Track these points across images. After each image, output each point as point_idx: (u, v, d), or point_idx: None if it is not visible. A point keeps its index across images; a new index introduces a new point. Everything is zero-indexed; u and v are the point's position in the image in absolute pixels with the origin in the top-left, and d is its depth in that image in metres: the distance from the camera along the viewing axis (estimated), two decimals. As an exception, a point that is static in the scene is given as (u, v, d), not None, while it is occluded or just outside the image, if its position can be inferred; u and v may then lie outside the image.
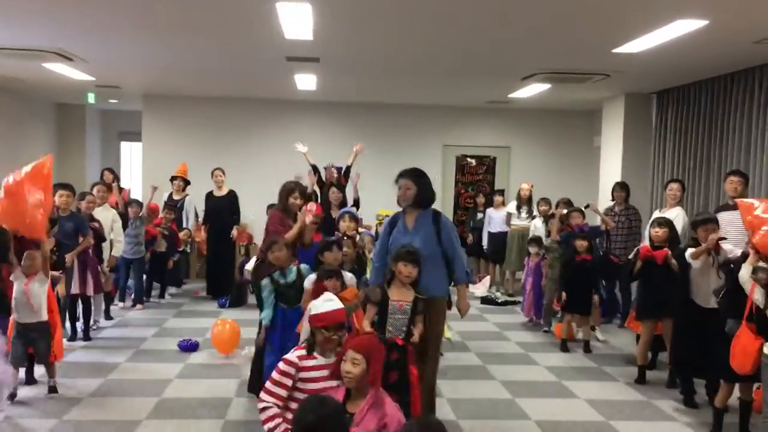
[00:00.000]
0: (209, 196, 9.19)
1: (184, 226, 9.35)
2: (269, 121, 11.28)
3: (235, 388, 5.38)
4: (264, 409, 3.13)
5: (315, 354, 3.25)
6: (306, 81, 8.92)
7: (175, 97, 11.10)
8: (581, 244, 6.78)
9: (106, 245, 7.21)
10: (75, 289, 6.55)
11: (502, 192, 10.34)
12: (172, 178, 9.35)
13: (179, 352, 6.34)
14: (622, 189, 7.91)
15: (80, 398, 5.05)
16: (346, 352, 2.97)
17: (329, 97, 10.65)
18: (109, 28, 6.12)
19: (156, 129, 11.19)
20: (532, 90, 9.01)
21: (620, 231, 7.73)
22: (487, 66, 7.48)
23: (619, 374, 6.04)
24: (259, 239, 10.38)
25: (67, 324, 6.64)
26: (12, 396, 4.85)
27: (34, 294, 4.86)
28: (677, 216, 6.57)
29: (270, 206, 9.07)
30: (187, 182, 9.38)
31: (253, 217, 10.22)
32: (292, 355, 3.26)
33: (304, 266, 4.83)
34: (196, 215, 9.64)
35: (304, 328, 4.01)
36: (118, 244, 7.46)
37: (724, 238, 5.26)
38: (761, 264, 4.21)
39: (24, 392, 5.08)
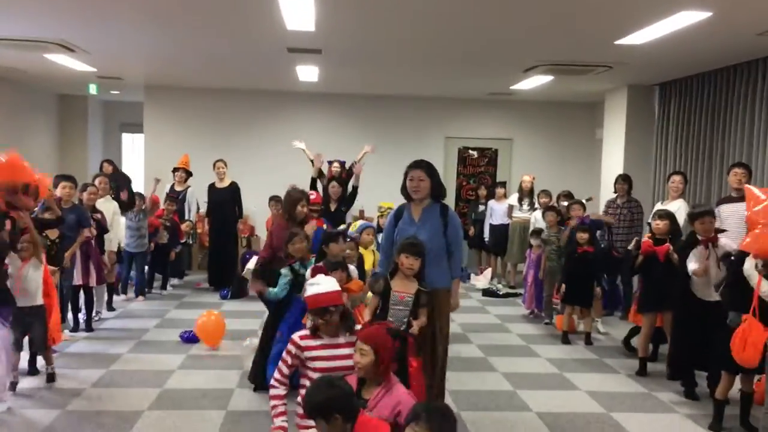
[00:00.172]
0: (211, 187, 9.19)
1: (186, 217, 9.37)
2: (271, 113, 11.27)
3: (237, 379, 5.39)
4: (271, 386, 3.39)
5: (320, 335, 3.36)
6: (308, 72, 8.90)
7: (177, 89, 11.09)
8: (582, 236, 6.78)
9: (108, 236, 7.21)
10: (77, 280, 6.56)
11: (503, 184, 10.34)
12: (174, 170, 9.36)
13: (181, 343, 6.36)
14: (624, 181, 7.89)
15: (82, 389, 5.06)
16: (357, 343, 3.11)
17: (331, 88, 10.63)
18: (110, 18, 6.11)
19: (157, 120, 11.19)
20: (534, 82, 8.98)
21: (622, 223, 7.72)
22: (490, 57, 7.46)
23: (620, 366, 6.05)
24: (260, 230, 10.48)
25: (69, 315, 6.66)
26: (13, 385, 4.87)
27: (29, 278, 4.86)
28: (679, 208, 6.55)
29: (272, 198, 9.09)
30: (189, 174, 9.38)
31: (255, 209, 10.24)
32: (295, 336, 3.42)
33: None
34: (198, 207, 9.65)
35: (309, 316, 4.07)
36: (115, 238, 7.46)
37: (725, 230, 5.26)
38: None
39: (26, 383, 5.10)
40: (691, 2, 4.96)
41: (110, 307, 7.62)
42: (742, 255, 4.42)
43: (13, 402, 4.68)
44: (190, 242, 9.73)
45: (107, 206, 7.33)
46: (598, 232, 7.36)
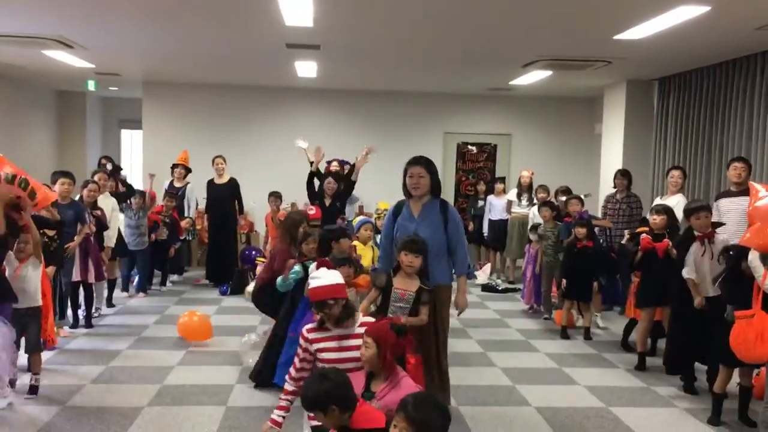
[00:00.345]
0: (210, 183, 9.19)
1: (186, 214, 9.36)
2: (270, 109, 11.26)
3: (237, 375, 5.39)
4: (285, 381, 3.44)
5: (328, 327, 3.37)
6: (306, 68, 8.89)
7: (175, 85, 11.07)
8: (580, 230, 6.78)
9: (107, 233, 7.21)
10: (76, 277, 6.55)
11: (503, 179, 10.33)
12: (174, 166, 9.35)
13: (180, 340, 6.36)
14: (623, 176, 7.87)
15: (82, 385, 5.07)
16: (363, 336, 3.14)
17: (330, 84, 10.62)
18: (108, 15, 6.11)
19: (156, 116, 11.18)
20: (533, 77, 8.98)
21: (621, 219, 7.72)
22: (489, 53, 7.45)
23: (619, 361, 6.06)
24: (259, 226, 10.47)
25: (69, 311, 6.67)
26: (12, 382, 4.87)
27: (27, 278, 4.82)
28: (678, 203, 6.54)
29: (271, 194, 9.10)
30: (188, 170, 9.38)
31: (254, 204, 10.24)
32: (303, 330, 3.44)
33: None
34: (197, 203, 9.64)
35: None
36: (114, 234, 7.47)
37: (723, 224, 5.25)
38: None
39: (25, 379, 5.10)
40: (690, -3, 4.97)
41: (110, 304, 7.62)
42: (741, 250, 4.40)
43: (13, 398, 4.69)
44: (190, 239, 9.73)
45: (106, 202, 7.33)
46: (596, 230, 7.36)
